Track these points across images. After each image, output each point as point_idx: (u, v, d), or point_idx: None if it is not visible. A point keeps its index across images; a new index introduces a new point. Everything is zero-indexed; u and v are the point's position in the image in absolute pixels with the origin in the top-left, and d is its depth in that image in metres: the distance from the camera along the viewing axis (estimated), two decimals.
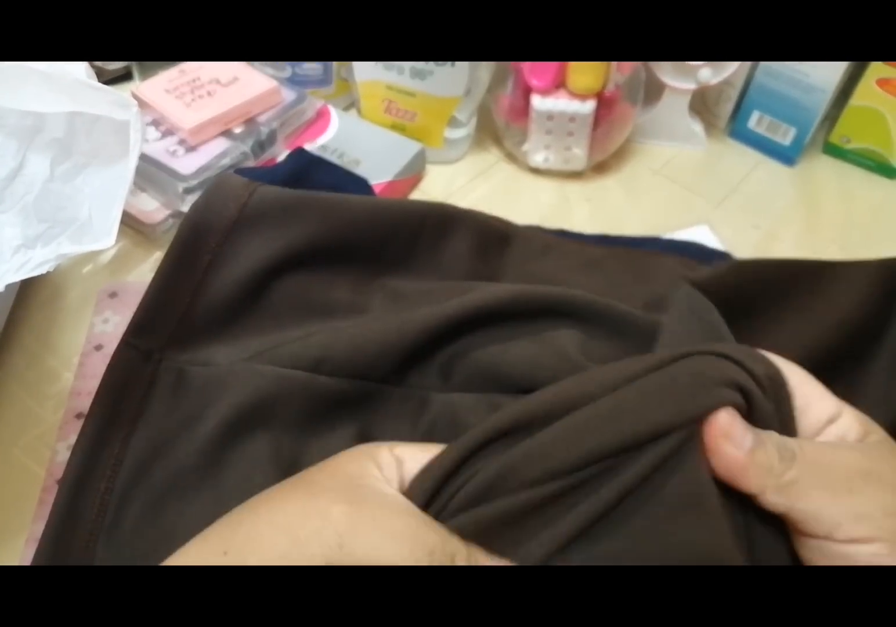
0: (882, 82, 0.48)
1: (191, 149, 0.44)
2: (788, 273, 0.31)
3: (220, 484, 0.29)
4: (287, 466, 0.29)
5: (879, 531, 0.20)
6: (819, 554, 0.21)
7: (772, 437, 0.23)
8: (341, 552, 0.20)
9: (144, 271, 0.43)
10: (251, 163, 0.46)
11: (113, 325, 0.39)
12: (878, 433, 0.23)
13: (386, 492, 0.23)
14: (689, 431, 0.23)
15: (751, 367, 0.24)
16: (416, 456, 0.24)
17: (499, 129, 0.51)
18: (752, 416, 0.23)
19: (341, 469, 0.24)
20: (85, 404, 0.34)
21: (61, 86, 0.34)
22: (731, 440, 0.22)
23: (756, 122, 0.53)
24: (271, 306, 0.33)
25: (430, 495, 0.23)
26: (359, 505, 0.22)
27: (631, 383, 0.23)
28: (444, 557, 0.21)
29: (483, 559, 0.22)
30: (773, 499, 0.21)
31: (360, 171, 0.44)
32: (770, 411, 0.23)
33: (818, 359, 0.27)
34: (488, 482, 0.22)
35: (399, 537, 0.21)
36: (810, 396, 0.24)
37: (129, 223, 0.44)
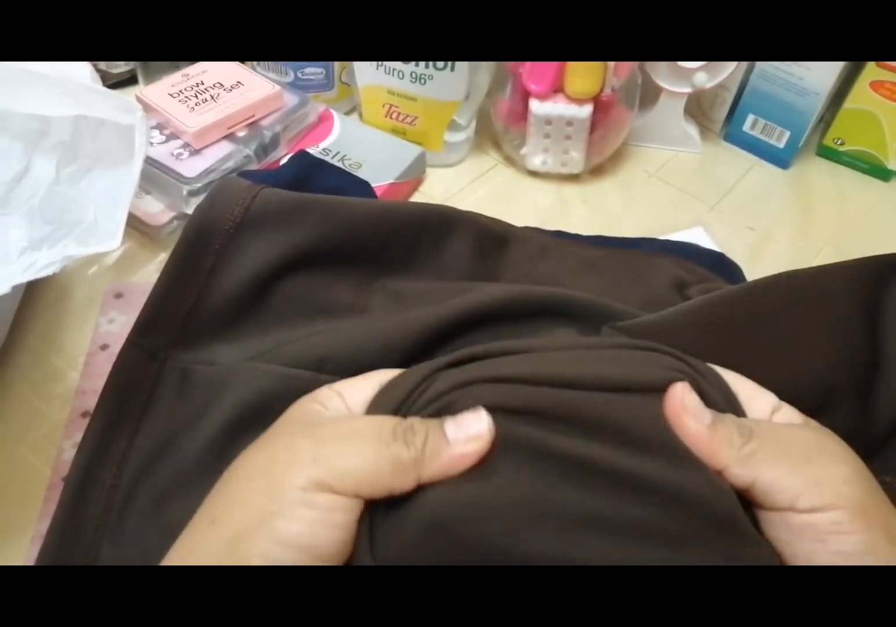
0: (876, 85, 0.49)
1: (195, 152, 0.45)
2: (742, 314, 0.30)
3: None
4: None
5: (839, 497, 0.21)
6: (783, 529, 0.22)
7: (728, 415, 0.24)
8: (318, 464, 0.21)
9: (149, 272, 0.43)
10: (254, 166, 0.46)
11: (118, 325, 0.40)
12: (815, 423, 0.25)
13: (338, 415, 0.24)
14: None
15: (693, 362, 0.25)
16: (355, 385, 0.25)
17: (498, 132, 0.52)
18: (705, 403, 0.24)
19: (291, 418, 0.25)
20: (90, 403, 0.34)
21: (66, 90, 0.35)
22: (691, 413, 0.23)
23: (751, 125, 0.53)
24: (274, 307, 0.33)
25: (397, 404, 0.24)
26: (318, 428, 0.23)
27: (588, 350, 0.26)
28: (406, 429, 0.22)
29: (439, 423, 0.23)
30: (738, 471, 0.22)
31: (362, 174, 0.44)
32: (720, 400, 0.24)
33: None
34: (447, 386, 0.24)
35: (362, 431, 0.22)
36: (750, 391, 0.25)
37: (135, 225, 0.45)
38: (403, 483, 0.22)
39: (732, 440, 0.22)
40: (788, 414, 0.25)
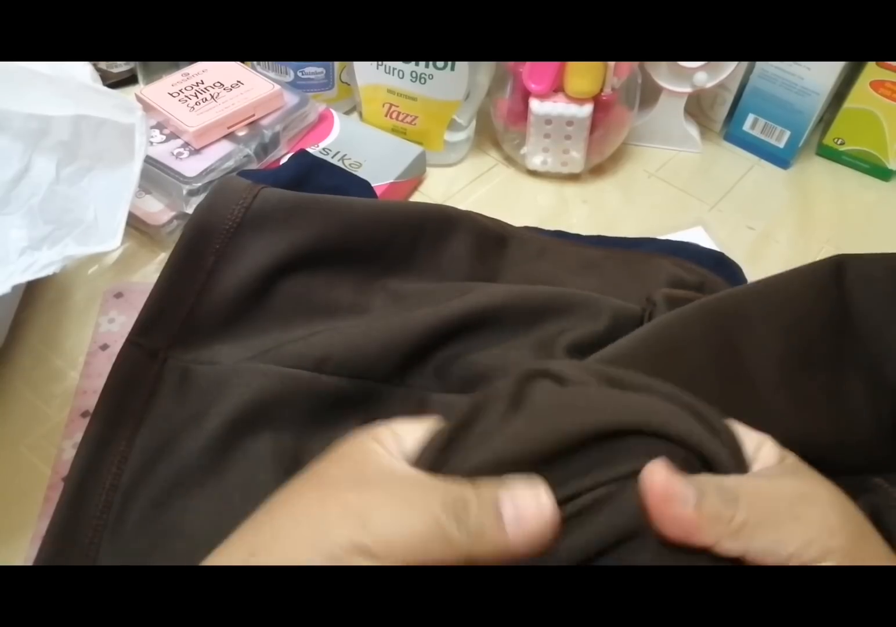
0: (876, 85, 0.49)
1: (195, 152, 0.45)
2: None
3: (224, 481, 0.29)
4: (289, 463, 0.29)
5: (828, 549, 0.21)
6: None
7: (709, 481, 0.22)
8: (365, 530, 0.20)
9: (149, 271, 0.43)
10: (254, 165, 0.46)
11: (118, 325, 0.40)
12: (791, 456, 0.24)
13: (393, 465, 0.23)
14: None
15: (702, 408, 0.23)
16: (412, 428, 0.24)
17: (498, 132, 0.52)
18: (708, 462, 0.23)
19: (346, 456, 0.24)
20: (91, 402, 0.34)
21: (66, 89, 0.35)
22: (675, 499, 0.21)
23: (751, 124, 0.53)
24: (274, 307, 0.33)
25: (436, 456, 0.23)
26: (371, 484, 0.22)
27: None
28: (457, 503, 0.21)
29: (494, 487, 0.22)
30: (729, 546, 0.21)
31: (362, 173, 0.44)
32: (724, 457, 0.23)
33: None
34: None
35: (413, 499, 0.21)
36: (737, 429, 0.24)
37: (135, 225, 0.45)
38: (452, 559, 0.20)
39: (720, 516, 0.21)
40: (769, 451, 0.24)
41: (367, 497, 0.21)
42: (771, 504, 0.22)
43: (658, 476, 0.21)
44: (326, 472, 0.24)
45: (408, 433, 0.24)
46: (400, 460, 0.23)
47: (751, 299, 0.29)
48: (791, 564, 0.21)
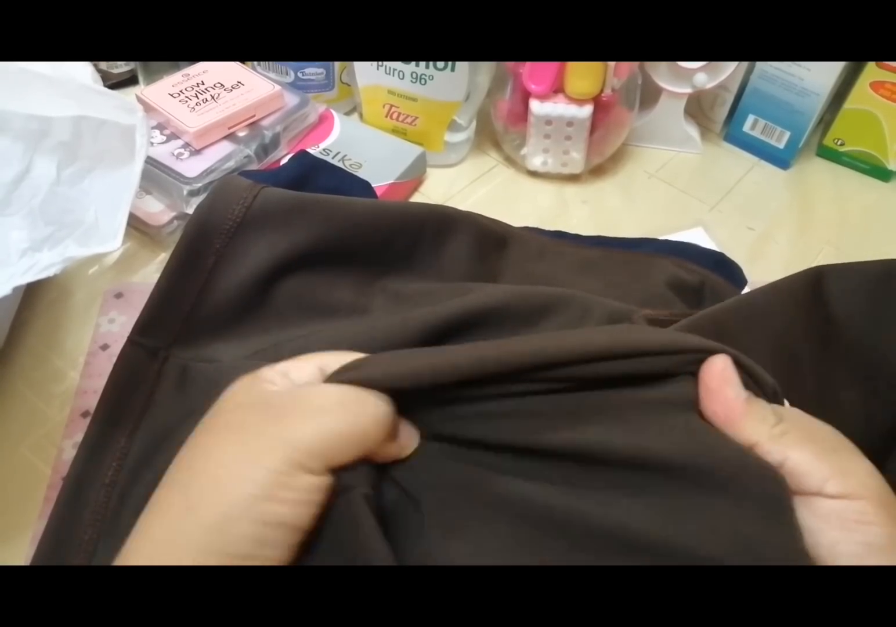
0: (876, 86, 0.49)
1: (195, 152, 0.45)
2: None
3: None
4: None
5: (864, 488, 0.21)
6: (809, 515, 0.22)
7: (759, 398, 0.23)
8: (290, 447, 0.21)
9: (150, 272, 0.43)
10: (255, 166, 0.46)
11: (118, 325, 0.40)
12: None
13: (292, 390, 0.24)
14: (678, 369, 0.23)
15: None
16: (297, 365, 0.25)
17: (498, 133, 0.52)
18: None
19: (239, 402, 0.24)
20: (91, 402, 0.34)
21: (67, 90, 0.35)
22: (730, 384, 0.23)
23: (751, 125, 0.53)
24: (275, 307, 0.33)
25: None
26: (279, 408, 0.23)
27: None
28: (369, 409, 0.23)
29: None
30: (770, 448, 0.22)
31: (362, 174, 0.44)
32: (769, 383, 0.24)
33: None
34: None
35: (324, 405, 0.23)
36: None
37: (135, 225, 0.45)
38: (375, 440, 0.23)
39: (766, 418, 0.22)
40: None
41: (283, 420, 0.22)
42: (811, 432, 0.23)
43: (721, 362, 0.23)
44: (230, 416, 0.24)
45: (293, 368, 0.25)
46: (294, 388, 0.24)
47: (730, 317, 0.29)
48: (827, 492, 0.21)
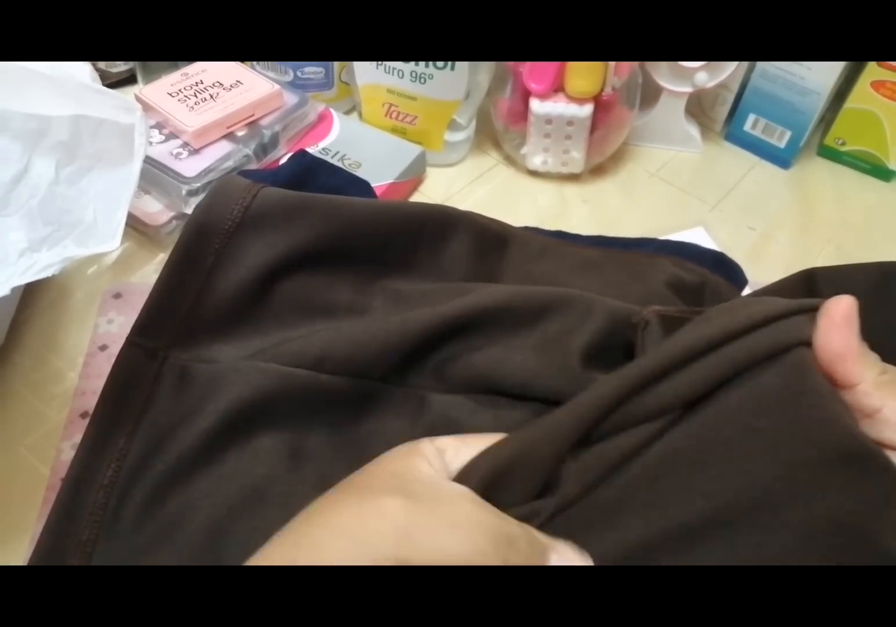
0: (877, 85, 0.49)
1: (194, 152, 0.45)
2: None
3: (220, 475, 0.29)
4: (287, 459, 0.29)
5: None
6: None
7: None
8: (408, 545, 0.20)
9: (148, 272, 0.43)
10: (254, 165, 0.46)
11: (117, 325, 0.40)
12: None
13: (439, 482, 0.23)
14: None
15: None
16: (455, 445, 0.25)
17: (498, 132, 0.52)
18: None
19: (388, 468, 0.24)
20: (90, 403, 0.34)
21: (66, 89, 0.35)
22: (852, 323, 0.23)
23: (752, 124, 0.53)
24: (274, 306, 0.33)
25: (488, 482, 0.23)
26: (414, 498, 0.22)
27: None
28: (502, 540, 0.21)
29: (544, 540, 0.22)
30: (872, 391, 0.23)
31: (362, 173, 0.44)
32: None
33: None
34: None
35: (460, 524, 0.21)
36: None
37: (134, 225, 0.45)
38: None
39: (875, 365, 0.23)
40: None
41: (411, 511, 0.21)
42: None
43: (850, 300, 0.24)
44: (366, 483, 0.23)
45: (452, 450, 0.24)
46: (444, 477, 0.23)
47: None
48: None
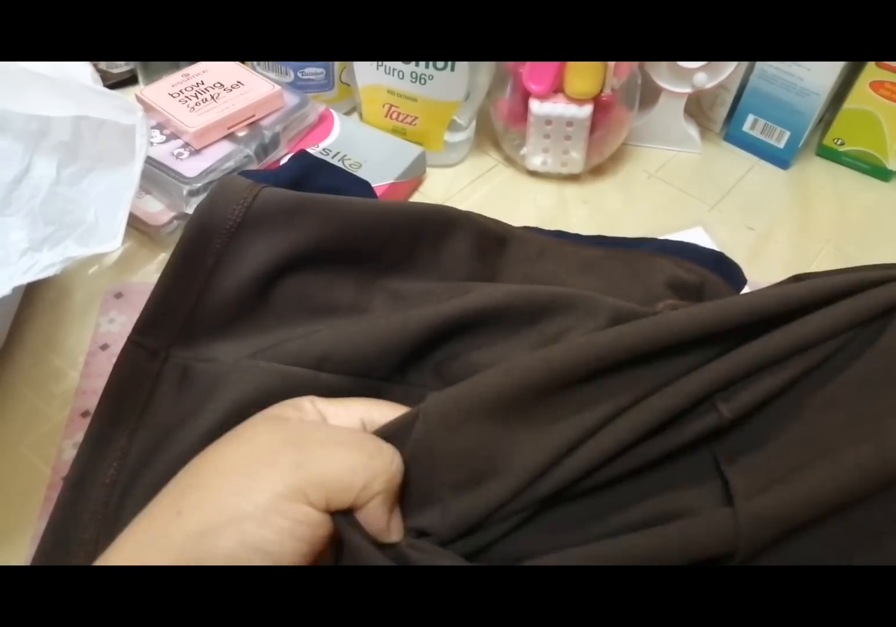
0: (876, 85, 0.49)
1: (195, 152, 0.45)
2: None
3: None
4: None
5: None
6: None
7: None
8: (299, 472, 0.21)
9: (149, 271, 0.43)
10: (254, 166, 0.46)
11: (118, 325, 0.40)
12: None
13: (319, 422, 0.24)
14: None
15: None
16: (338, 411, 0.25)
17: (498, 133, 0.52)
18: None
19: (268, 418, 0.25)
20: (91, 402, 0.34)
21: (67, 90, 0.35)
22: None
23: (751, 125, 0.53)
24: (274, 306, 0.33)
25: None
26: (300, 432, 0.23)
27: None
28: (385, 458, 0.23)
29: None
30: None
31: (362, 174, 0.44)
32: None
33: None
34: None
35: (346, 441, 0.23)
36: None
37: (135, 225, 0.45)
38: (366, 498, 0.22)
39: None
40: None
41: (301, 445, 0.22)
42: None
43: None
44: (252, 430, 0.24)
45: (332, 416, 0.25)
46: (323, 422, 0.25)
47: None
48: None
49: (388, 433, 0.25)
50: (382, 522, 0.23)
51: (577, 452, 0.25)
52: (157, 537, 0.21)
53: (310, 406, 0.25)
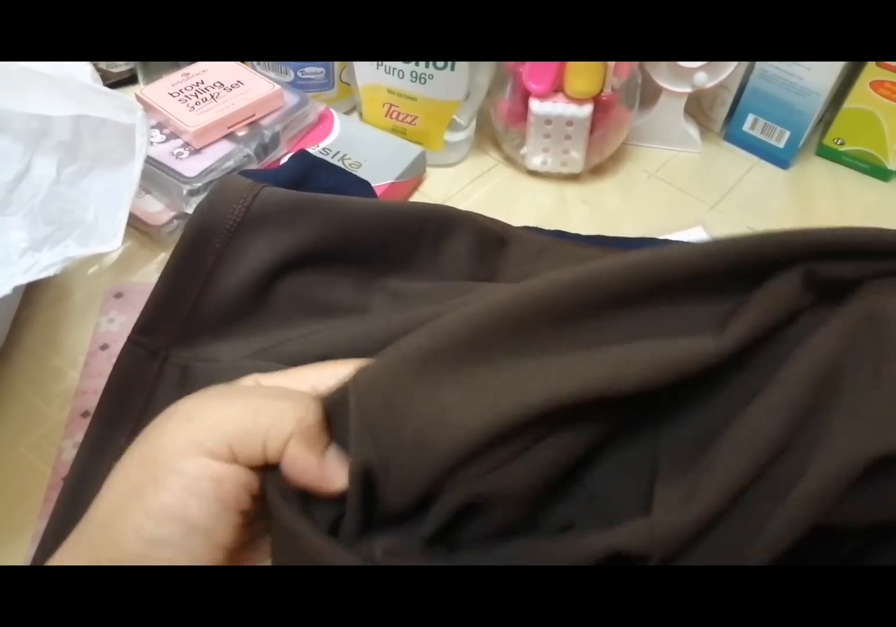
0: (876, 85, 0.49)
1: (195, 151, 0.45)
2: None
3: None
4: None
5: None
6: None
7: None
8: (192, 424, 0.20)
9: (149, 271, 0.43)
10: (254, 165, 0.46)
11: (118, 325, 0.40)
12: None
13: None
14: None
15: None
16: (288, 380, 0.24)
17: (498, 132, 0.52)
18: None
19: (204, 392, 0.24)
20: (90, 402, 0.34)
21: (67, 89, 0.35)
22: None
23: (751, 125, 0.53)
24: (275, 306, 0.33)
25: None
26: (201, 394, 0.22)
27: None
28: (292, 399, 0.22)
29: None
30: None
31: (362, 173, 0.44)
32: None
33: None
34: None
35: (241, 389, 0.22)
36: None
37: (135, 225, 0.45)
38: (278, 443, 0.20)
39: None
40: None
41: (198, 402, 0.22)
42: None
43: None
44: (158, 420, 0.23)
45: (269, 381, 0.25)
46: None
47: None
48: None
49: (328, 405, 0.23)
50: (312, 467, 0.21)
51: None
52: (76, 535, 0.21)
53: (249, 382, 0.24)
